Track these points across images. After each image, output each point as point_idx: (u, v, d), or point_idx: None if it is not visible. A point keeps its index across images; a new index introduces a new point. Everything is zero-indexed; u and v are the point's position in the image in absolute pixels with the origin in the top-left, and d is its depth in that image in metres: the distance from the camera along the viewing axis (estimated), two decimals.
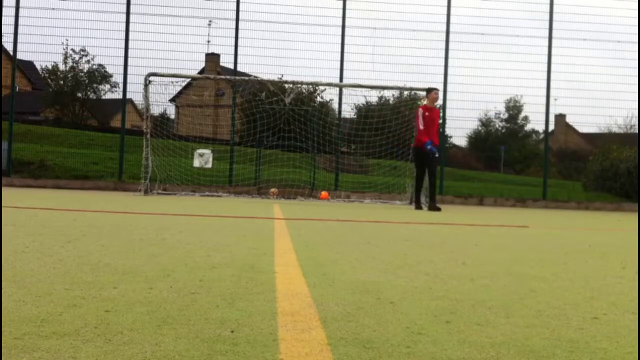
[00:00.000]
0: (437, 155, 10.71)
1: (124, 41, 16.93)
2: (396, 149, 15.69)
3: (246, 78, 16.89)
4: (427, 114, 10.70)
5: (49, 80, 28.27)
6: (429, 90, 11.21)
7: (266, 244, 3.74)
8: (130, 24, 16.98)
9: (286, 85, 15.36)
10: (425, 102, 11.22)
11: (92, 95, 27.28)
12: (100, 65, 25.01)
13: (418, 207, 10.85)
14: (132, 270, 2.45)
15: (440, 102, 10.82)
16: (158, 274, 2.37)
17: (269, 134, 16.50)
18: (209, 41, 18.13)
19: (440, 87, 16.89)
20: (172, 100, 21.06)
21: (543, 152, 19.32)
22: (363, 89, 15.25)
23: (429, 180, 10.68)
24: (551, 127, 20.37)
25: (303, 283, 2.29)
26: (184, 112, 22.98)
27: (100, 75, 26.40)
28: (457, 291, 2.26)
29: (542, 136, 22.25)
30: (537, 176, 22.90)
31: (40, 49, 17.70)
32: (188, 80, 18.71)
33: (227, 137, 18.12)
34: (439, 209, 10.32)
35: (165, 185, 14.62)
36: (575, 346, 1.50)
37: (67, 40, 19.68)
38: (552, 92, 17.34)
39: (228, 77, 16.43)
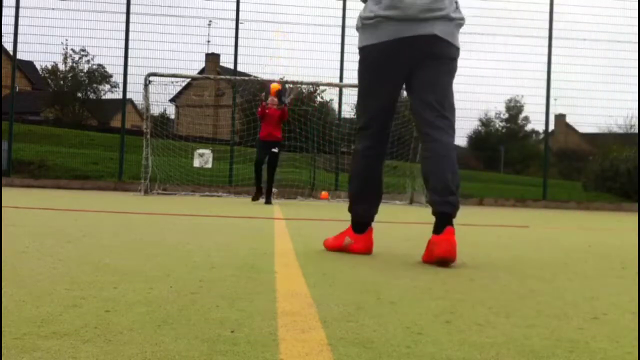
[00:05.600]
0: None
1: (124, 41, 16.95)
2: (396, 149, 15.69)
3: (246, 78, 16.88)
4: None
5: (49, 80, 28.30)
6: None
7: (266, 244, 3.74)
8: (130, 24, 17.00)
9: (286, 85, 15.36)
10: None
11: (92, 95, 27.30)
12: (100, 65, 25.05)
13: (269, 201, 11.01)
14: (132, 270, 2.44)
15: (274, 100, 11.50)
16: (158, 274, 2.37)
17: None
18: (209, 41, 18.16)
19: None
20: (172, 100, 21.08)
21: (543, 152, 19.32)
22: None
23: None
24: (551, 127, 20.37)
25: (303, 283, 2.29)
26: (184, 112, 22.99)
27: (100, 75, 26.43)
28: (457, 291, 2.26)
29: (542, 136, 22.25)
30: (537, 176, 22.91)
31: (40, 49, 17.76)
32: (188, 80, 18.72)
33: (227, 137, 18.13)
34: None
35: (165, 185, 14.61)
36: (575, 346, 1.50)
37: (66, 40, 19.72)
38: (552, 92, 17.37)
39: (228, 77, 16.44)
